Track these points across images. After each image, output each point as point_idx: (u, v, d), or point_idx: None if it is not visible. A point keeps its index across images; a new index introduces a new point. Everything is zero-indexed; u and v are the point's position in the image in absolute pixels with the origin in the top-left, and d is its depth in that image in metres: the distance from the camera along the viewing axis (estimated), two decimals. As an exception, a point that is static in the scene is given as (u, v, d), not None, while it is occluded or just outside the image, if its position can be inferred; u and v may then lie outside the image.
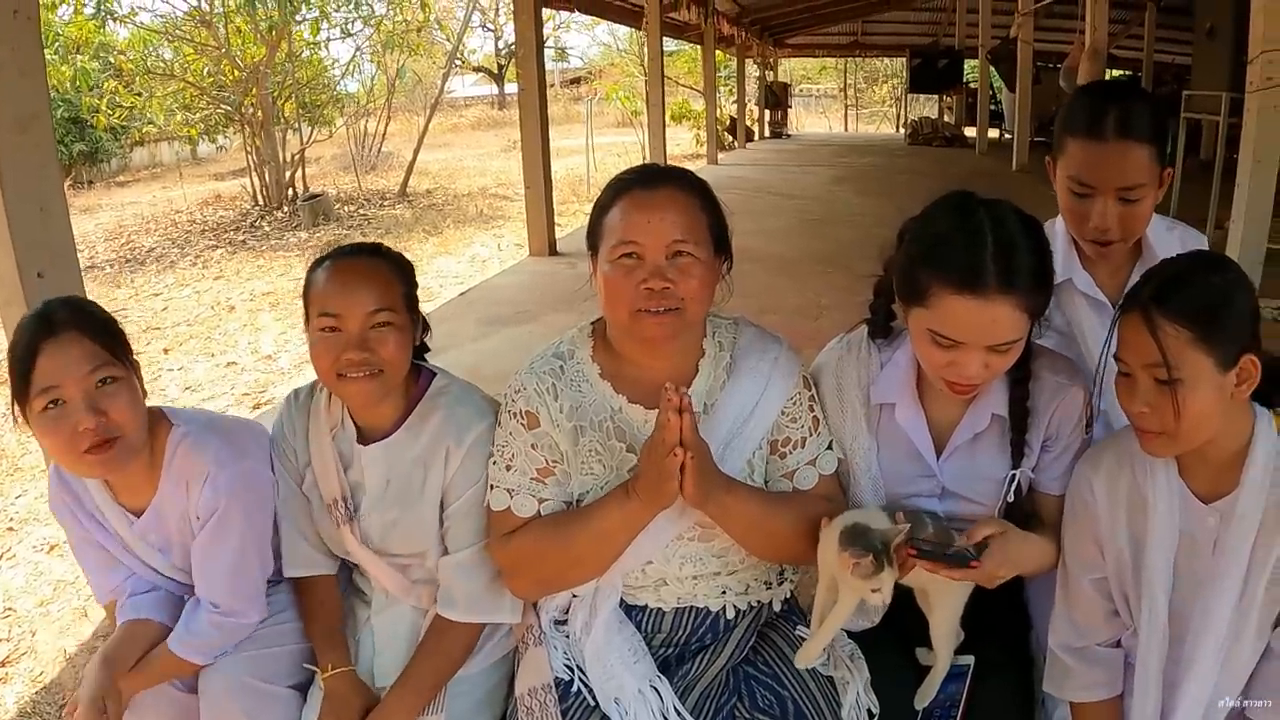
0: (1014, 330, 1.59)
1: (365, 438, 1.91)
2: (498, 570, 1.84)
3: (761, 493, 1.75)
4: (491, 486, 1.79)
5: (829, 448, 1.81)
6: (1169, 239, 2.03)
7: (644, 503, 1.61)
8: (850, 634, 1.81)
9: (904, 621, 1.78)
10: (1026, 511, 1.84)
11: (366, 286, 1.80)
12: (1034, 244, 1.61)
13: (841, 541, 1.59)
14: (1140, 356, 1.45)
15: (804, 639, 1.81)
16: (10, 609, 3.42)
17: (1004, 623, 1.91)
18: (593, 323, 1.84)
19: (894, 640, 1.83)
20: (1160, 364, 1.42)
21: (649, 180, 1.70)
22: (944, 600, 1.73)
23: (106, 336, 1.76)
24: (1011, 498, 1.81)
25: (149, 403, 1.86)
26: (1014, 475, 1.79)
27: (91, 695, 1.77)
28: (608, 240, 1.67)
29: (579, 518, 1.72)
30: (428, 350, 2.04)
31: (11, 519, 4.28)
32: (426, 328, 1.99)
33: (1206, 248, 2.08)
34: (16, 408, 1.73)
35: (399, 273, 1.88)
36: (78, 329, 1.72)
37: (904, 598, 1.70)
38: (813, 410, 1.81)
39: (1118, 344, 1.51)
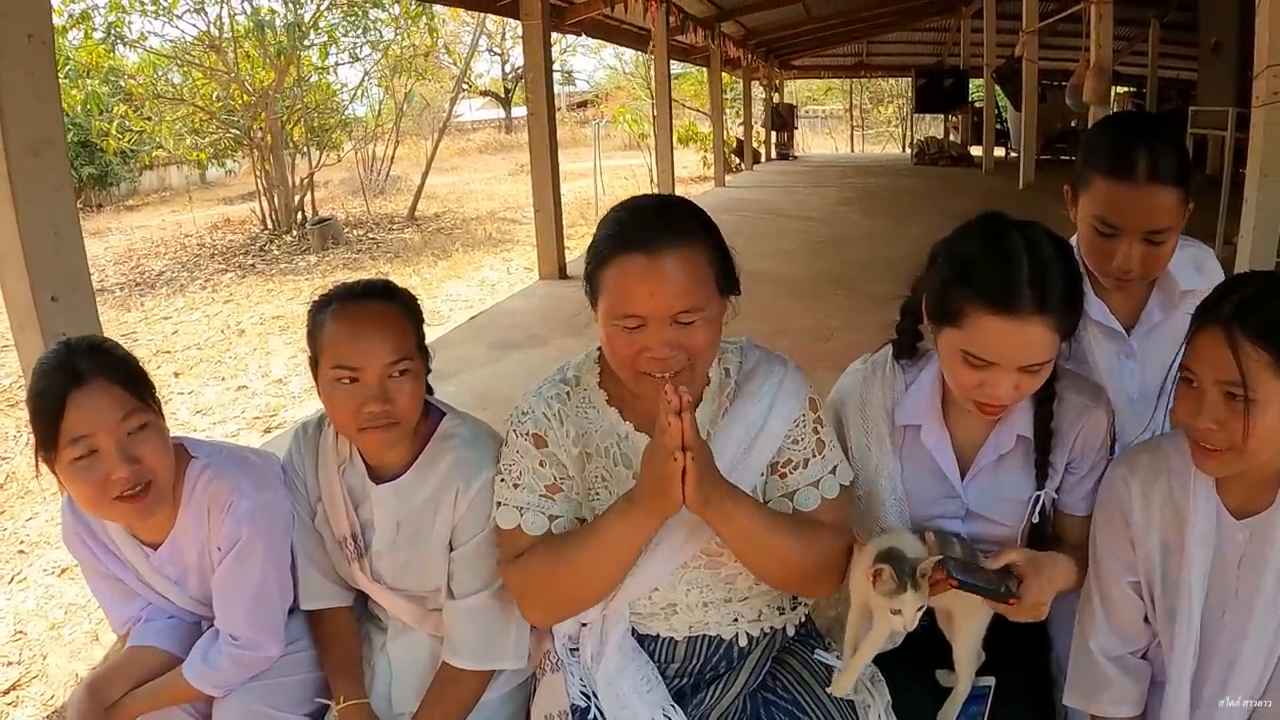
0: (1046, 351, 1.59)
1: (375, 474, 1.89)
2: (502, 616, 1.83)
3: (767, 508, 1.68)
4: (499, 504, 1.74)
5: (833, 473, 1.74)
6: (1182, 259, 2.01)
7: (647, 510, 1.54)
8: (870, 657, 1.79)
9: (924, 644, 1.76)
10: (1049, 534, 1.83)
11: (384, 336, 1.76)
12: (1066, 266, 1.61)
13: (875, 563, 1.59)
14: (1216, 372, 1.42)
15: (822, 662, 1.80)
16: (21, 632, 3.41)
17: (1024, 644, 1.89)
18: (599, 349, 1.78)
19: (914, 662, 1.81)
20: (1237, 382, 1.40)
21: (648, 241, 1.54)
22: (968, 622, 1.72)
23: (132, 380, 1.75)
24: (1036, 519, 1.80)
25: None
26: (1038, 497, 1.78)
27: None
28: (606, 299, 1.58)
29: (584, 532, 1.67)
30: (428, 371, 2.00)
31: (23, 542, 4.27)
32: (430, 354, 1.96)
33: (1216, 262, 2.09)
34: (41, 456, 1.70)
35: (410, 316, 1.85)
36: (105, 376, 1.69)
37: (926, 617, 1.68)
38: (818, 433, 1.74)
39: (1189, 356, 1.47)
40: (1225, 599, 1.55)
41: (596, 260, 1.60)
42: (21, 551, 4.16)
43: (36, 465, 1.73)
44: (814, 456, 1.72)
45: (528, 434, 1.73)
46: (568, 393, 1.76)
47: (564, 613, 1.76)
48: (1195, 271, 2.05)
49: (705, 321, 1.57)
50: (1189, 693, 1.58)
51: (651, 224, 1.58)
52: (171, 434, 1.88)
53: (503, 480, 1.75)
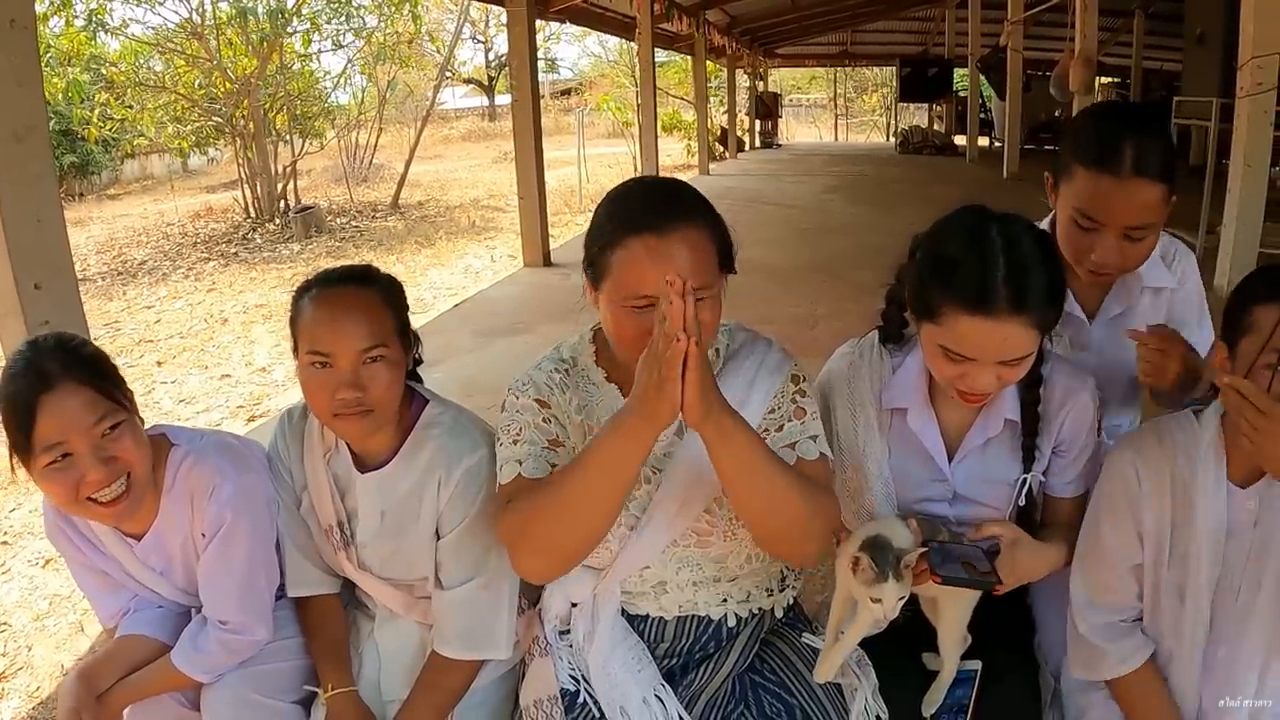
0: (1025, 347, 1.60)
1: (361, 463, 1.88)
2: (491, 606, 1.82)
3: (761, 439, 1.59)
4: (500, 466, 1.67)
5: (813, 439, 1.69)
6: (1152, 254, 1.98)
7: (640, 416, 1.42)
8: (857, 640, 1.80)
9: (911, 627, 1.77)
10: (1036, 517, 1.84)
11: (357, 322, 1.73)
12: (1046, 263, 1.60)
13: (857, 551, 1.59)
14: None
15: (810, 645, 1.81)
16: (6, 624, 3.40)
17: (1010, 627, 1.91)
18: (593, 329, 1.80)
19: (901, 646, 1.82)
20: None
21: (659, 223, 1.54)
22: (952, 607, 1.73)
23: (102, 379, 1.71)
24: (1022, 502, 1.81)
25: (147, 420, 1.83)
26: (1025, 479, 1.79)
27: (67, 711, 1.75)
28: (616, 282, 1.55)
29: (576, 459, 1.56)
30: (420, 363, 1.99)
31: (6, 533, 4.25)
32: (417, 341, 1.93)
33: (1192, 262, 2.10)
34: (15, 460, 1.69)
35: (390, 301, 1.82)
36: (73, 378, 1.66)
37: (910, 604, 1.69)
38: (796, 402, 1.71)
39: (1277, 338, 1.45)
40: (1240, 566, 1.56)
41: (604, 241, 1.58)
42: (5, 543, 4.14)
43: (11, 466, 1.71)
44: (790, 421, 1.69)
45: (531, 397, 1.71)
46: (566, 370, 1.76)
47: (555, 557, 1.64)
48: (1164, 269, 2.04)
49: (712, 299, 1.57)
50: (1200, 664, 1.59)
51: (660, 206, 1.58)
52: (153, 423, 1.87)
53: (501, 442, 1.70)
